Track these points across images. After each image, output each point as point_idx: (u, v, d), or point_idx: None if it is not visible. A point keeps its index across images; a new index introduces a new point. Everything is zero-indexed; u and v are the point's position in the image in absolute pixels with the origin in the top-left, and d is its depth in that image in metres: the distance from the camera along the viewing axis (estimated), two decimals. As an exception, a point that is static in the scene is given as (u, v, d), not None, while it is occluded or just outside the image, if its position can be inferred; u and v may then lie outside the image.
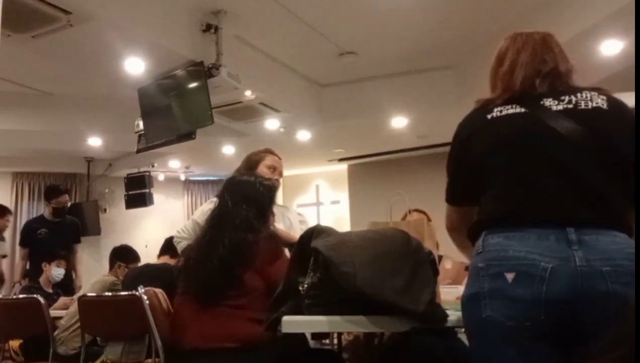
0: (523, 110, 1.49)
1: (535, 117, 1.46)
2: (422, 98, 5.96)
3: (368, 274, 1.51)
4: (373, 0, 4.46)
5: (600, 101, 1.47)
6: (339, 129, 6.75)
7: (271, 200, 2.41)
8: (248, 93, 5.22)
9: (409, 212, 3.18)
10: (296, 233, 3.00)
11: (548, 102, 1.49)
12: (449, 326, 1.57)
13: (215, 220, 2.34)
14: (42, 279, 4.75)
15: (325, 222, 7.26)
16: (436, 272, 1.69)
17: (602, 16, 3.96)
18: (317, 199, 9.34)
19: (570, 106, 1.46)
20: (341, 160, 8.53)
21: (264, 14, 4.63)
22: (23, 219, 8.31)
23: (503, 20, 4.79)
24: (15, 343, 3.73)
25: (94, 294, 3.42)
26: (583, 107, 1.46)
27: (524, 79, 1.53)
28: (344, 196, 8.93)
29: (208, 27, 4.51)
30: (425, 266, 1.61)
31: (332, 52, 5.44)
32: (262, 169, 2.84)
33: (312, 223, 3.14)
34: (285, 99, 5.82)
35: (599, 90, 1.51)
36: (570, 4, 4.27)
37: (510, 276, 1.35)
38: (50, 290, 4.62)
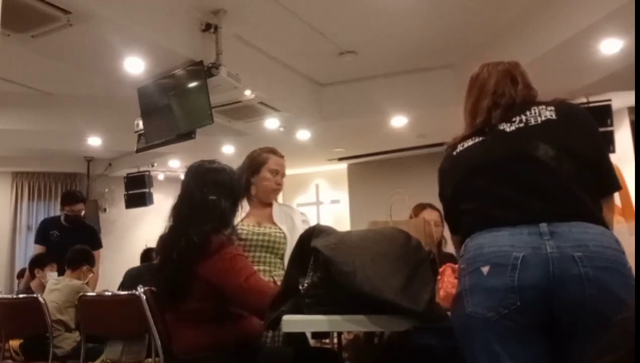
0: (481, 138, 1.63)
1: (491, 142, 1.60)
2: (422, 97, 5.96)
3: (368, 274, 1.51)
4: (373, 0, 4.47)
5: (548, 113, 1.58)
6: (339, 128, 6.75)
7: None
8: (248, 92, 5.21)
9: (425, 208, 3.20)
10: (299, 233, 2.96)
11: (502, 126, 1.61)
12: (449, 325, 1.57)
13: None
14: (34, 284, 4.64)
15: (325, 222, 7.27)
16: (436, 272, 1.69)
17: (601, 15, 3.95)
18: (317, 198, 9.35)
19: (522, 125, 1.58)
20: (341, 159, 8.53)
21: (263, 13, 4.63)
22: (23, 219, 8.33)
23: (503, 20, 4.80)
24: (15, 343, 3.73)
25: (93, 294, 3.43)
26: (533, 123, 1.58)
27: (484, 111, 1.66)
28: (343, 195, 8.93)
29: (208, 27, 4.51)
30: (425, 265, 1.62)
31: (332, 52, 5.44)
32: (265, 174, 2.78)
33: (313, 223, 3.12)
34: (285, 98, 5.81)
35: (548, 103, 1.62)
36: (570, 2, 4.26)
37: (485, 269, 1.42)
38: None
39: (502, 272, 1.38)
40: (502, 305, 1.37)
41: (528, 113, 1.59)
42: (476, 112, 1.68)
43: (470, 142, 1.64)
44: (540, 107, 1.60)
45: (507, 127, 1.59)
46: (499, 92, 1.66)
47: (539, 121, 1.57)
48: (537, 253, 1.36)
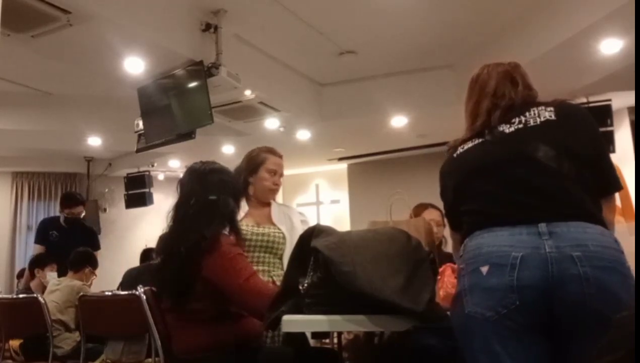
0: (480, 140, 1.63)
1: (490, 143, 1.60)
2: (422, 97, 5.96)
3: (368, 274, 1.51)
4: (373, 0, 4.47)
5: (548, 114, 1.58)
6: (339, 128, 6.75)
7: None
8: (248, 92, 5.21)
9: (427, 207, 3.20)
10: (298, 233, 2.95)
11: (501, 127, 1.61)
12: (448, 325, 1.58)
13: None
14: (34, 284, 4.64)
15: (325, 222, 7.27)
16: (435, 272, 1.69)
17: (601, 15, 3.95)
18: (317, 198, 9.34)
19: (521, 126, 1.59)
20: (341, 159, 8.53)
21: (263, 13, 4.63)
22: (23, 219, 8.33)
23: (502, 19, 4.80)
24: (15, 343, 3.73)
25: (93, 294, 3.42)
26: (532, 124, 1.58)
27: (484, 113, 1.66)
28: (343, 195, 8.93)
29: (208, 27, 4.51)
30: (424, 265, 1.62)
31: (332, 51, 5.44)
32: (263, 174, 2.78)
33: (312, 222, 3.12)
34: (285, 98, 5.81)
35: (547, 104, 1.62)
36: (570, 2, 4.26)
37: (484, 269, 1.42)
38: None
39: (501, 271, 1.38)
40: (502, 304, 1.37)
41: (527, 114, 1.60)
42: (476, 114, 1.69)
43: (470, 144, 1.66)
44: (540, 108, 1.60)
45: (507, 129, 1.60)
46: (499, 94, 1.67)
47: (538, 122, 1.57)
48: (536, 253, 1.37)
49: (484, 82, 1.73)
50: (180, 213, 2.19)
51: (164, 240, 2.23)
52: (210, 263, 2.04)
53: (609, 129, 5.15)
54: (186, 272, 2.05)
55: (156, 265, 2.25)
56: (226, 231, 2.19)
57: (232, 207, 2.24)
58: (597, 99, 5.18)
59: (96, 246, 5.37)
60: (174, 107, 4.72)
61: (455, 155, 1.69)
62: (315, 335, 2.48)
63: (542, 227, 1.40)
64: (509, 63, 1.76)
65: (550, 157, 1.50)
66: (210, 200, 2.17)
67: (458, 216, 1.62)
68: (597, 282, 1.32)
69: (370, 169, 8.41)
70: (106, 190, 8.53)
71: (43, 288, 4.35)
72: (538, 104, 1.63)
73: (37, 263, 4.74)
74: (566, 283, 1.34)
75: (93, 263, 4.26)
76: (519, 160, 1.53)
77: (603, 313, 1.28)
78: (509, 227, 1.43)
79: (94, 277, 4.28)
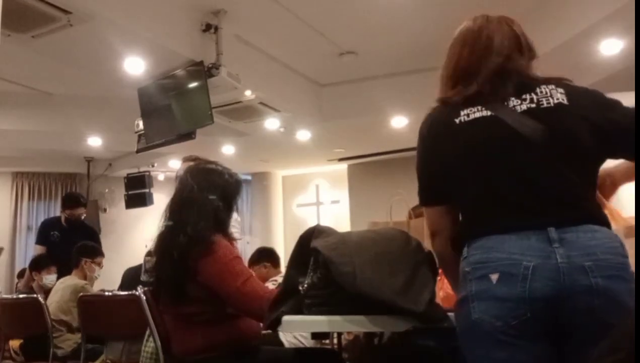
0: (489, 113, 1.47)
1: (501, 122, 1.45)
2: (422, 97, 5.87)
3: (368, 274, 1.51)
4: (373, 0, 4.46)
5: (560, 96, 1.46)
6: (339, 129, 6.75)
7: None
8: (248, 93, 5.22)
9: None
10: None
11: (512, 102, 1.48)
12: (449, 326, 1.57)
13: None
14: (35, 285, 4.63)
15: (325, 222, 7.26)
16: (435, 272, 1.69)
17: (601, 15, 3.96)
18: (317, 199, 9.34)
19: (533, 106, 1.46)
20: (341, 159, 8.54)
21: (264, 14, 4.63)
22: (23, 219, 8.34)
23: (503, 20, 4.80)
24: (15, 343, 3.73)
25: (93, 294, 3.43)
26: (545, 105, 1.45)
27: (489, 76, 1.51)
28: (344, 196, 8.93)
29: (208, 27, 4.52)
30: (424, 266, 1.61)
31: (332, 52, 5.44)
32: None
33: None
34: (285, 99, 5.82)
35: (557, 82, 1.49)
36: (570, 3, 4.27)
37: (494, 277, 1.36)
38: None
39: (512, 281, 1.34)
40: (512, 315, 1.33)
41: (539, 91, 1.47)
42: (469, 66, 1.57)
43: (476, 113, 1.49)
44: (550, 87, 1.48)
45: (518, 105, 1.46)
46: (495, 51, 1.54)
47: (552, 104, 1.45)
48: (547, 263, 1.33)
49: (477, 32, 1.63)
50: (176, 214, 2.19)
51: (160, 240, 2.22)
52: (207, 267, 2.04)
53: (609, 129, 5.15)
54: (180, 275, 2.05)
55: (152, 266, 2.25)
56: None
57: (228, 211, 2.23)
58: (597, 99, 5.18)
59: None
60: (175, 108, 4.73)
61: (457, 121, 1.50)
62: (315, 335, 2.48)
63: (552, 232, 1.35)
64: (501, 18, 1.63)
65: (560, 152, 1.42)
66: (209, 203, 2.16)
67: (448, 188, 1.52)
68: (606, 292, 1.30)
69: (371, 170, 8.41)
70: (106, 190, 8.53)
71: (43, 289, 4.36)
72: (547, 81, 1.50)
73: (34, 266, 4.73)
74: (577, 293, 1.31)
75: (89, 254, 4.21)
76: (528, 151, 1.42)
77: (608, 322, 1.26)
78: (516, 231, 1.37)
79: (98, 266, 4.25)
